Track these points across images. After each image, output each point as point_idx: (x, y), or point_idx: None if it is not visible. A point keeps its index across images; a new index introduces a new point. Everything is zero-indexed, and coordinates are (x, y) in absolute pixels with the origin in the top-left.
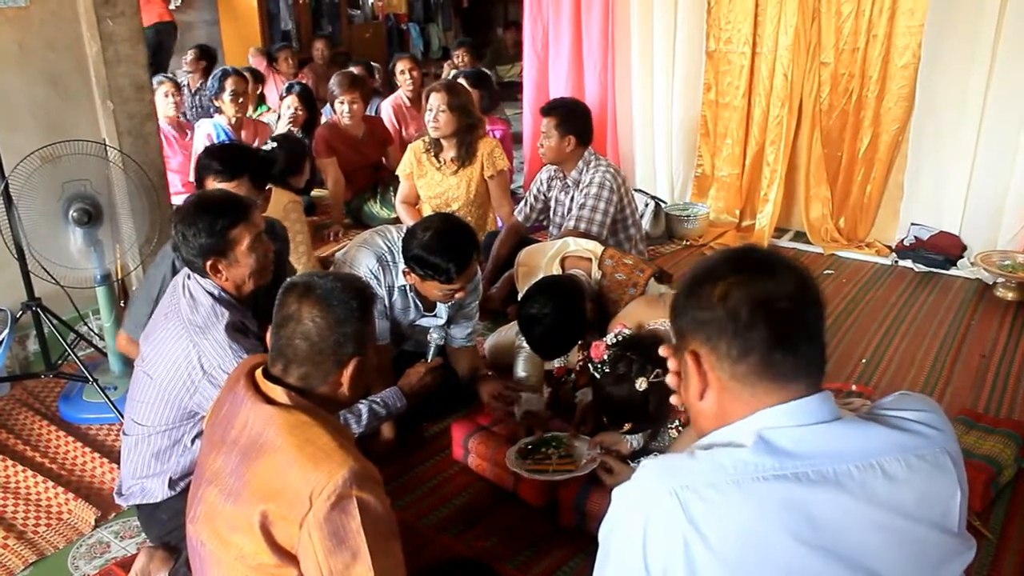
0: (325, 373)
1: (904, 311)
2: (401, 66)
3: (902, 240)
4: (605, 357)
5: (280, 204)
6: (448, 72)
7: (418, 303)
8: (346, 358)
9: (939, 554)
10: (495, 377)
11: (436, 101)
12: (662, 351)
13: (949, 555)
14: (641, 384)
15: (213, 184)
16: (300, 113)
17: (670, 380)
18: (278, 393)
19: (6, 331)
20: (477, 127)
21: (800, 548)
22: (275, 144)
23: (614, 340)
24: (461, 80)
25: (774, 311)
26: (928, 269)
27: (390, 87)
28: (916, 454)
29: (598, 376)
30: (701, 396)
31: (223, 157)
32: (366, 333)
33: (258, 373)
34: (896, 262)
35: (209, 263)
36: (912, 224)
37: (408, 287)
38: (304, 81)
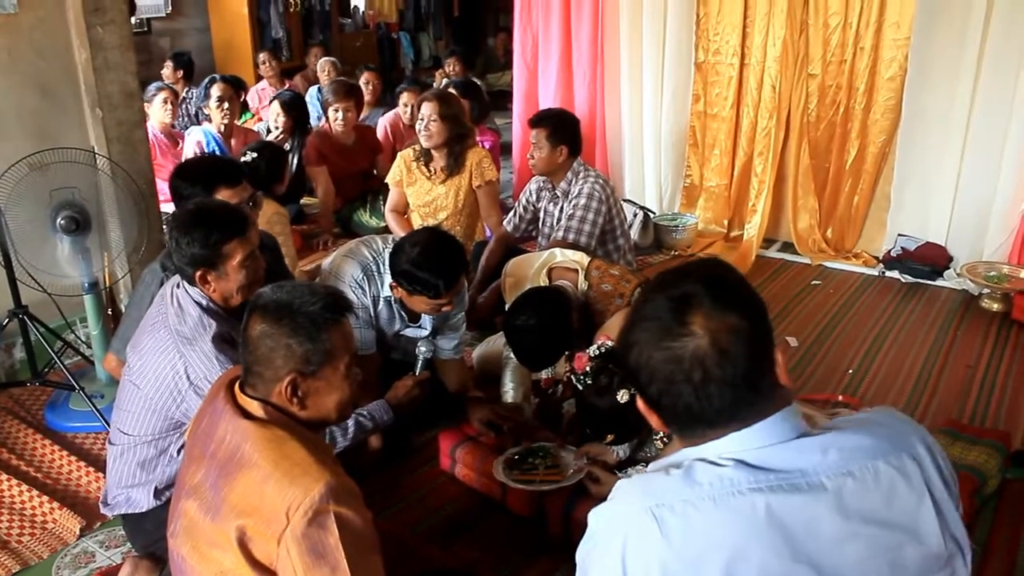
0: (267, 387)
1: (891, 321)
2: (405, 99)
3: (889, 251)
4: (588, 368)
5: (265, 215)
6: (439, 81)
7: (403, 314)
8: (282, 373)
9: (916, 563)
10: (485, 402)
11: (428, 110)
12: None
13: (927, 565)
14: (623, 396)
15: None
16: (284, 121)
17: (640, 403)
18: (254, 407)
19: None
20: (467, 137)
21: (776, 560)
22: (255, 153)
23: (596, 352)
24: (451, 90)
25: (687, 377)
26: (915, 280)
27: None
28: (884, 461)
29: (580, 387)
30: (660, 428)
31: (196, 175)
32: (315, 353)
33: (236, 387)
34: (883, 273)
35: (198, 273)
36: (899, 235)
37: (393, 298)
38: (292, 89)
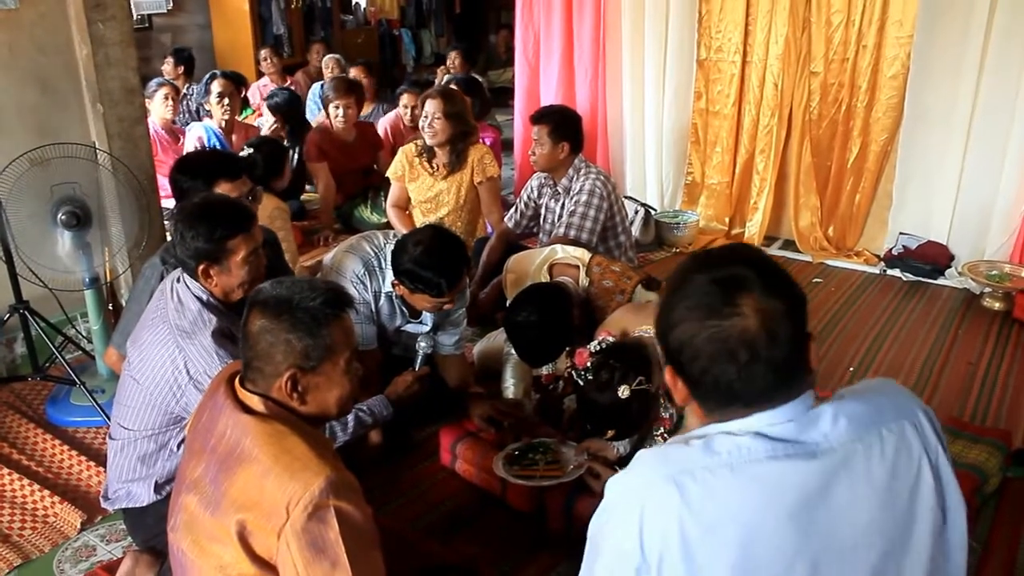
0: (267, 382)
1: (892, 320)
2: (406, 100)
3: (890, 249)
4: (588, 364)
5: (266, 210)
6: (441, 78)
7: (403, 309)
8: (282, 368)
9: (921, 529)
10: (486, 398)
11: (432, 108)
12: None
13: (925, 529)
14: (623, 392)
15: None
16: (274, 122)
17: (667, 379)
18: (255, 402)
19: None
20: (471, 134)
21: (790, 526)
22: (252, 149)
23: (597, 347)
24: (452, 87)
25: (732, 356)
26: (916, 278)
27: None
28: (887, 428)
29: (581, 383)
30: (684, 403)
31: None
32: (315, 348)
33: (236, 381)
34: (884, 271)
35: (201, 267)
36: (900, 233)
37: (395, 294)
38: (290, 87)
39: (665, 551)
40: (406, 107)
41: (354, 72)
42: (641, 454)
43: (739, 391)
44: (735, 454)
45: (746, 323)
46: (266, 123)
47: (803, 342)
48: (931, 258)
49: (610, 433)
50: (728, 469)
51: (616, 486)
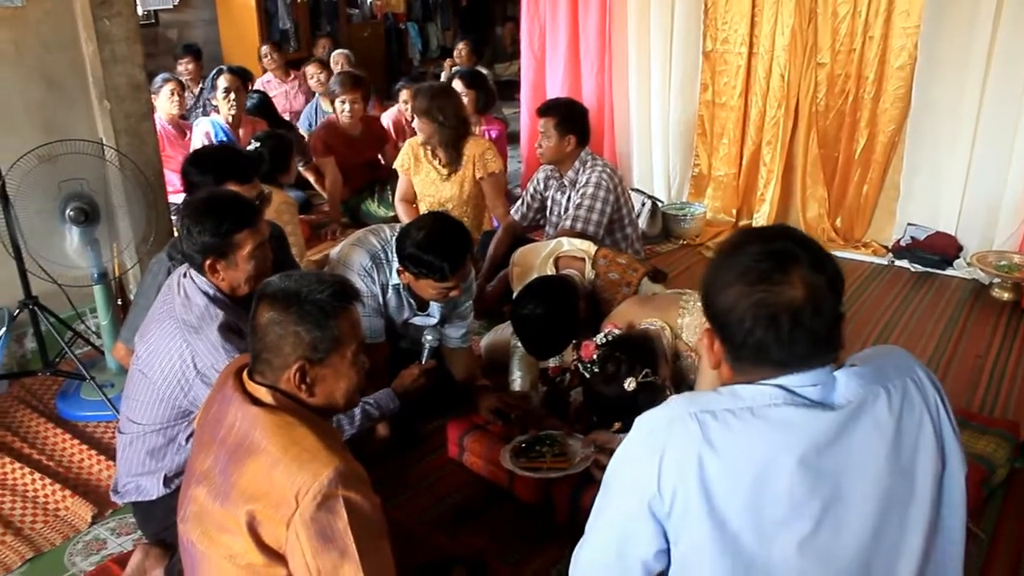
0: (276, 374)
1: (900, 311)
2: (405, 95)
3: (898, 240)
4: (595, 357)
5: (274, 204)
6: (448, 70)
7: (411, 302)
8: (290, 360)
9: (924, 481)
10: (493, 390)
11: (424, 131)
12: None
13: (928, 481)
14: (630, 384)
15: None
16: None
17: (704, 340)
18: (263, 394)
19: (3, 329)
20: (460, 129)
21: (803, 469)
22: (259, 144)
23: (603, 340)
24: (456, 81)
25: (775, 321)
26: (924, 269)
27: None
28: (891, 384)
29: (588, 376)
30: (715, 366)
31: (207, 164)
32: (323, 340)
33: (244, 374)
34: (892, 262)
35: (208, 262)
36: (908, 224)
37: (402, 286)
38: (260, 89)
39: (680, 484)
40: (406, 102)
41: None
42: (671, 397)
43: (776, 355)
44: (757, 399)
45: (794, 292)
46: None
47: (839, 318)
48: (939, 249)
49: (617, 425)
50: (749, 411)
51: (643, 421)
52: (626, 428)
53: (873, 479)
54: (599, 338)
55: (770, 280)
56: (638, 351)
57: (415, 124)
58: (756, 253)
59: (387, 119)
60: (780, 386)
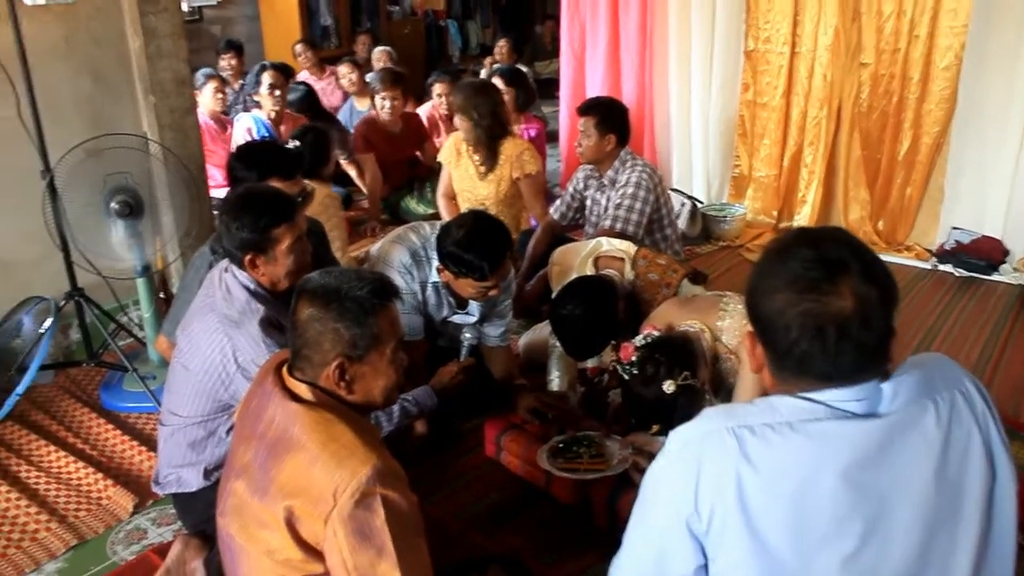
0: (315, 370)
1: (943, 317)
2: (438, 89)
3: (942, 244)
4: (633, 358)
5: (318, 199)
6: (488, 68)
7: (450, 300)
8: (330, 357)
9: (971, 497)
10: (531, 390)
11: (462, 129)
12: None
13: (976, 497)
14: (669, 387)
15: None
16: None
17: (746, 344)
18: (302, 390)
19: (50, 320)
20: (498, 129)
21: (844, 486)
22: (297, 141)
23: (643, 341)
24: (496, 78)
25: (821, 333)
26: (968, 274)
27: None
28: (939, 396)
29: (626, 377)
30: (757, 370)
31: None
32: (362, 338)
33: (284, 370)
34: (936, 266)
35: (248, 257)
36: (953, 228)
37: (441, 283)
38: (304, 82)
39: (718, 501)
40: (439, 96)
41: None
42: (707, 409)
43: (821, 367)
44: (797, 412)
45: (843, 304)
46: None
47: (890, 333)
48: (985, 253)
49: (655, 427)
50: (788, 426)
51: (678, 435)
52: (665, 430)
53: (920, 495)
54: (638, 339)
55: (819, 289)
56: (677, 353)
57: (456, 120)
58: (806, 259)
59: (422, 114)
60: (822, 402)
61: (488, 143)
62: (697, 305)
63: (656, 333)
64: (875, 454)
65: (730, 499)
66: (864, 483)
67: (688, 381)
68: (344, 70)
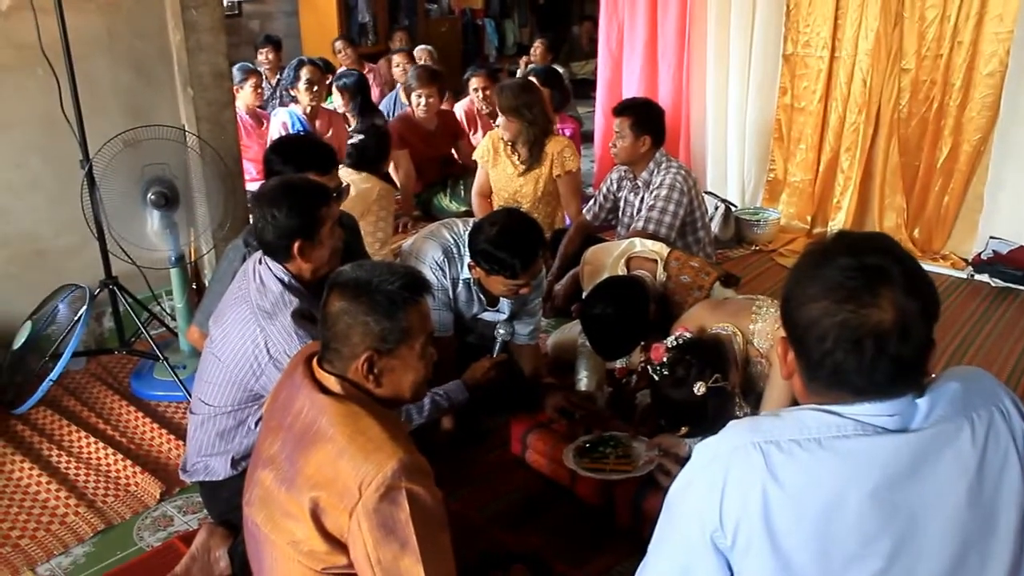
0: (344, 363)
1: (978, 327)
2: (475, 83)
3: (979, 254)
4: (664, 359)
5: (373, 192)
6: (524, 68)
7: (481, 297)
8: (359, 350)
9: (1007, 517)
10: (560, 389)
11: (509, 129)
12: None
13: (1011, 517)
14: (699, 388)
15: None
16: (343, 103)
17: (778, 350)
18: (332, 382)
19: (84, 308)
20: (545, 128)
21: (872, 504)
22: (362, 135)
23: (674, 343)
24: (531, 78)
25: (858, 345)
26: (1006, 284)
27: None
28: (976, 414)
29: (657, 378)
30: (788, 377)
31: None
32: (392, 331)
33: (314, 362)
34: (972, 276)
35: (297, 244)
36: (991, 237)
37: (472, 280)
38: (359, 71)
39: (743, 518)
40: (476, 90)
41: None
42: (733, 422)
43: (855, 381)
44: (824, 429)
45: (882, 316)
46: (336, 103)
47: (929, 346)
48: (1022, 263)
49: (684, 429)
50: (816, 443)
51: (704, 448)
52: (694, 432)
53: (952, 516)
54: (670, 341)
55: (858, 300)
56: (709, 355)
57: (499, 122)
58: (846, 267)
59: (459, 110)
60: (852, 417)
61: (538, 141)
62: (729, 308)
63: (688, 335)
64: (906, 472)
65: (755, 516)
66: (894, 502)
67: (719, 383)
68: (398, 59)
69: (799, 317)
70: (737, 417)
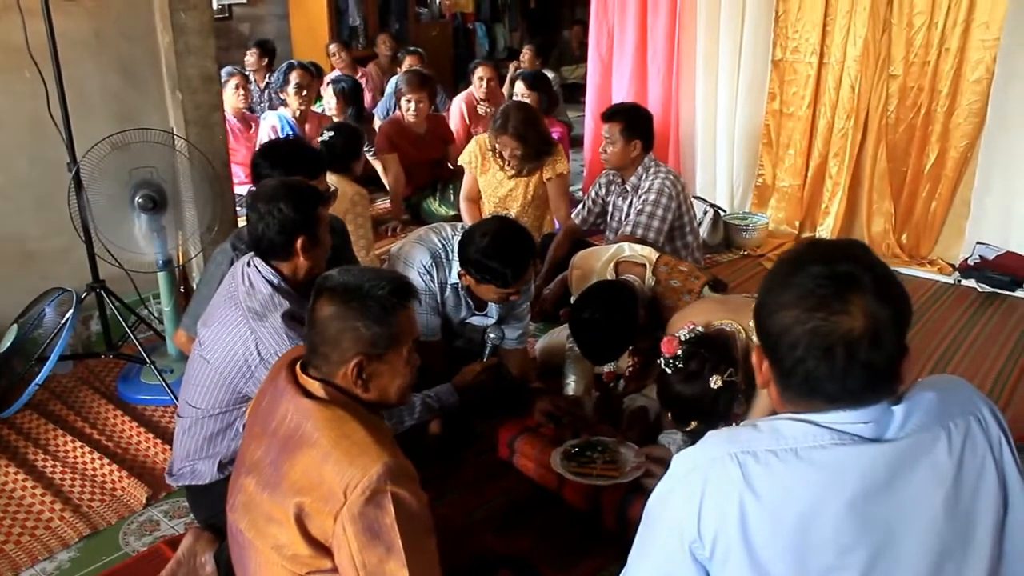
0: (332, 368)
1: (964, 332)
2: (480, 72)
3: (966, 259)
4: (678, 352)
5: (346, 196)
6: (512, 72)
7: (469, 302)
8: (349, 355)
9: (984, 528)
10: (547, 393)
11: (509, 147)
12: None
13: (988, 527)
14: (716, 382)
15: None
16: (336, 106)
17: (753, 359)
18: (316, 387)
19: (71, 311)
20: (544, 152)
21: (849, 515)
22: (332, 132)
23: (688, 336)
24: (519, 83)
25: (829, 353)
26: (992, 289)
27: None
28: (953, 423)
29: (669, 371)
30: (764, 386)
31: (277, 158)
32: (382, 336)
33: (297, 366)
34: (959, 281)
35: (301, 240)
36: (978, 243)
37: (460, 286)
38: (352, 76)
39: (721, 529)
40: (481, 79)
41: (409, 61)
42: (710, 433)
43: (828, 388)
44: (801, 439)
45: (853, 323)
46: (328, 106)
47: (902, 353)
48: (1010, 269)
49: (693, 424)
50: (793, 453)
51: (682, 459)
52: (702, 429)
53: (928, 526)
54: (683, 334)
55: (828, 307)
56: (720, 350)
57: (503, 139)
58: (818, 275)
59: (459, 103)
60: (828, 426)
61: (530, 161)
62: (730, 305)
63: (700, 329)
64: (882, 482)
65: (732, 527)
66: (870, 512)
67: (732, 378)
68: (410, 61)
69: (771, 325)
70: (737, 413)
